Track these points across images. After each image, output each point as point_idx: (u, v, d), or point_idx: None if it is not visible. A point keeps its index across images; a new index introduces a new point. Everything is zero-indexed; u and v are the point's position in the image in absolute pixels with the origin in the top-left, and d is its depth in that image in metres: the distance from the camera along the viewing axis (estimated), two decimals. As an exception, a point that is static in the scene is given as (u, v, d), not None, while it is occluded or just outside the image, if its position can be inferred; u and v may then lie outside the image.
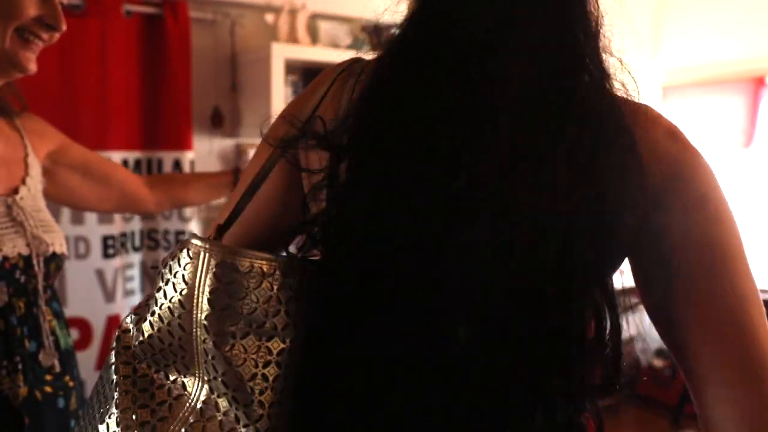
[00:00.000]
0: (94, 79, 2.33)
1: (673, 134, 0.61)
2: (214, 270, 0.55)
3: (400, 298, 0.53)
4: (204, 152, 2.66)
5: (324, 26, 2.80)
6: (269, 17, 2.53)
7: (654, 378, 3.64)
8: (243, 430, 0.55)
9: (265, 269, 0.56)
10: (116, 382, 0.58)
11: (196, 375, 0.57)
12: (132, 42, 2.40)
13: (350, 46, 2.74)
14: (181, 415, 0.56)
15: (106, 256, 2.40)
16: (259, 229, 0.70)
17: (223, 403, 0.56)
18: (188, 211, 2.52)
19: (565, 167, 0.53)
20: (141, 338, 0.59)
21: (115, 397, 0.57)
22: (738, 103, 3.58)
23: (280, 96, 2.45)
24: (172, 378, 0.58)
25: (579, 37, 0.62)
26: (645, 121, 0.61)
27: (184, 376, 0.58)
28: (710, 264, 0.58)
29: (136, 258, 2.54)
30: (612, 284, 0.61)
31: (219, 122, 2.64)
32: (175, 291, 0.57)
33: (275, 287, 0.56)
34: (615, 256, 0.60)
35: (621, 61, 0.69)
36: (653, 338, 2.65)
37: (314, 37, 2.74)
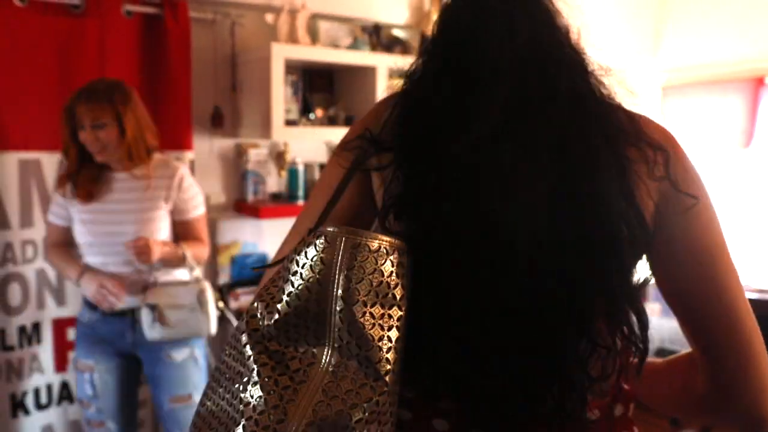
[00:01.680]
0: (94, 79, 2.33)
1: (675, 143, 0.80)
2: (351, 250, 0.67)
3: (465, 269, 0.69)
4: (204, 152, 2.66)
5: (324, 26, 2.79)
6: (269, 17, 2.53)
7: (654, 378, 3.63)
8: (374, 384, 0.65)
9: (388, 249, 0.67)
10: (253, 358, 0.66)
11: (327, 344, 0.67)
12: (132, 42, 2.40)
13: (350, 47, 2.74)
14: (317, 378, 0.66)
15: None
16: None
17: (353, 364, 0.66)
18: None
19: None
20: (273, 319, 0.68)
21: (255, 368, 0.66)
22: (738, 103, 3.58)
23: (280, 96, 2.45)
24: (302, 350, 0.68)
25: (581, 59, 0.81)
26: (647, 125, 0.79)
27: (314, 347, 0.68)
28: (705, 265, 0.76)
29: (136, 258, 2.54)
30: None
31: (219, 122, 2.64)
32: (312, 272, 0.67)
33: (395, 264, 0.67)
34: (635, 252, 0.74)
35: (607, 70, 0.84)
36: (653, 339, 2.67)
37: (314, 38, 2.74)
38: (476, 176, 0.70)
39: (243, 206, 2.72)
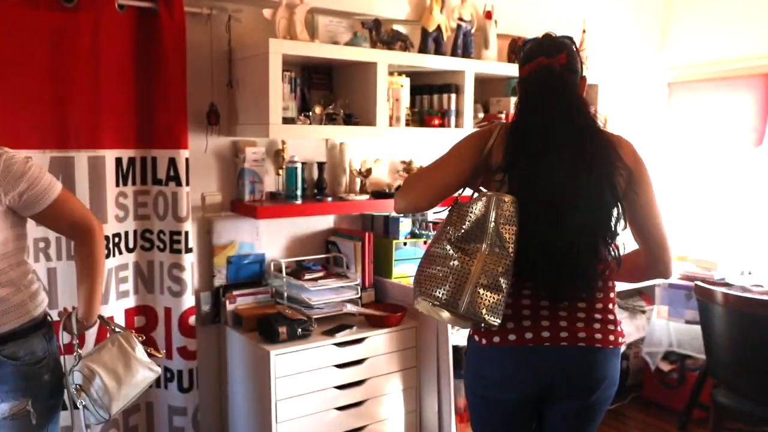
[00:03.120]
0: (87, 75, 2.26)
1: (633, 149, 1.69)
2: (497, 201, 1.55)
3: (543, 217, 1.58)
4: (200, 150, 2.60)
5: (323, 21, 2.73)
6: (267, 12, 2.46)
7: (661, 382, 3.57)
8: (505, 258, 1.53)
9: (512, 200, 1.56)
10: (451, 250, 1.55)
11: (484, 242, 1.54)
12: (125, 37, 2.34)
13: (349, 42, 2.68)
14: (480, 256, 1.54)
15: (99, 256, 2.33)
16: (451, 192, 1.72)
17: (496, 250, 1.53)
18: (184, 212, 2.46)
19: (592, 168, 1.58)
20: (459, 233, 1.56)
21: (453, 254, 1.54)
22: (748, 101, 3.50)
23: (277, 93, 2.38)
24: (472, 245, 1.55)
25: (587, 108, 1.67)
26: (620, 141, 1.68)
27: (478, 243, 1.55)
28: (650, 208, 1.68)
29: (130, 259, 2.48)
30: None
31: (215, 120, 2.57)
32: (480, 212, 1.56)
33: (514, 207, 1.55)
34: (618, 200, 1.62)
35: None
36: (661, 342, 2.69)
37: (312, 33, 2.68)
38: (543, 181, 1.58)
39: (240, 206, 2.66)
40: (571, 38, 1.71)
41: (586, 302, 1.64)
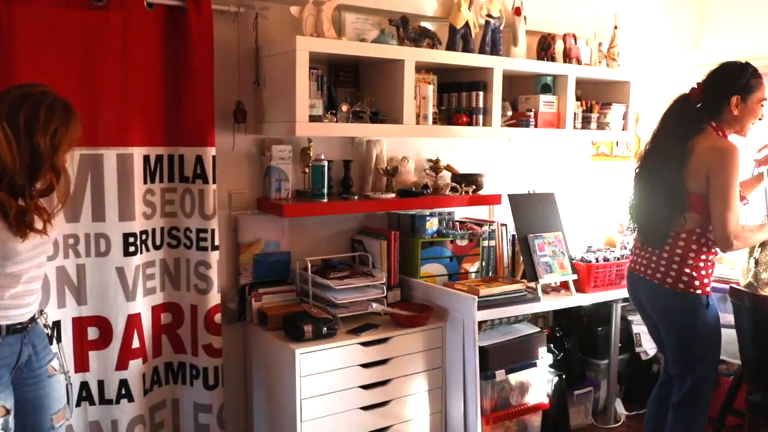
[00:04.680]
0: (116, 73, 2.28)
1: (716, 151, 2.38)
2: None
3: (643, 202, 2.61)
4: (226, 148, 2.60)
5: (350, 18, 2.71)
6: (294, 9, 2.45)
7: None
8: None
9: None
10: None
11: None
12: (154, 35, 2.35)
13: (377, 40, 2.65)
14: None
15: (127, 253, 2.35)
16: None
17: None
18: (210, 209, 2.47)
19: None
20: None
21: None
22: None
23: (304, 90, 2.37)
24: None
25: (691, 123, 2.50)
26: (708, 146, 2.41)
27: None
28: (714, 197, 2.35)
29: (157, 256, 2.50)
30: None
31: (242, 117, 2.57)
32: None
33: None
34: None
35: None
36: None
37: (339, 30, 2.66)
38: (640, 173, 2.63)
39: (266, 204, 2.66)
40: (741, 65, 2.43)
41: (659, 256, 2.48)
